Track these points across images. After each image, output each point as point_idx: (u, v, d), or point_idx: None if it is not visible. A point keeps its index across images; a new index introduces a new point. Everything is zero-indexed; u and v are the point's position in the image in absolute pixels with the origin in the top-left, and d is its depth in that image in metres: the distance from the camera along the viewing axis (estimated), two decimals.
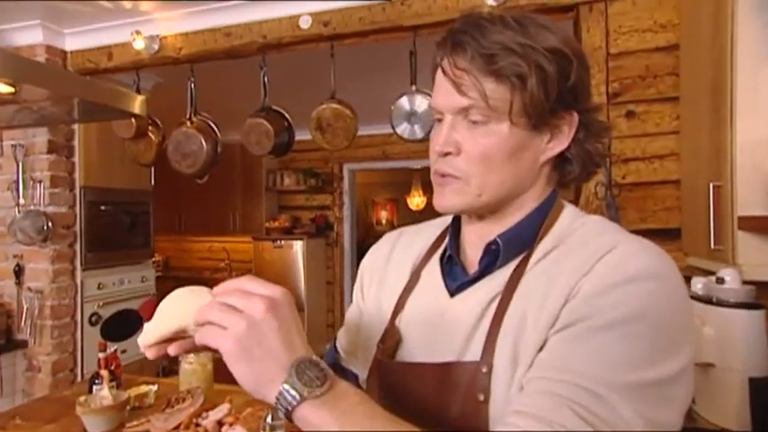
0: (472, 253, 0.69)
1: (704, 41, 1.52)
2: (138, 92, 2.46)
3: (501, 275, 0.64)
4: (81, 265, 2.85)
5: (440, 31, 2.10)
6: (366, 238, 7.00)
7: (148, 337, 0.59)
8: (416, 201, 7.84)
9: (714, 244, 1.40)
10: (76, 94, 1.45)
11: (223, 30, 2.39)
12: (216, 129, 2.59)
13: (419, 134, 2.20)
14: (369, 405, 0.52)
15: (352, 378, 0.81)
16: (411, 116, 2.20)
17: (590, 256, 0.57)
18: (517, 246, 0.64)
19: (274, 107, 2.49)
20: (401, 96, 2.22)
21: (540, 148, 0.64)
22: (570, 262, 0.59)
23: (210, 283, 0.56)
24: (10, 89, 1.33)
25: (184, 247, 6.02)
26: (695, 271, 1.58)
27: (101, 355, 1.58)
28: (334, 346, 0.85)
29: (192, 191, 4.15)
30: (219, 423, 1.38)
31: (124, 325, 3.12)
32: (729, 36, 1.32)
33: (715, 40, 1.42)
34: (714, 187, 1.39)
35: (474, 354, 0.61)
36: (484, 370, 0.58)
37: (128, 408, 1.53)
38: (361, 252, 5.31)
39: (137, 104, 1.61)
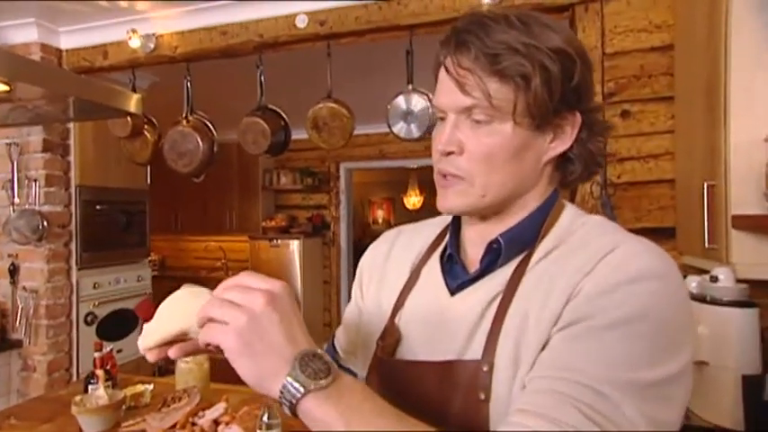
0: (473, 252, 0.69)
1: (699, 41, 1.53)
2: (134, 90, 2.45)
3: (502, 275, 0.64)
4: (76, 264, 2.83)
5: (436, 31, 2.12)
6: (362, 237, 7.00)
7: (148, 340, 0.58)
8: (413, 200, 7.84)
9: (708, 243, 1.40)
10: (72, 93, 1.44)
11: (219, 28, 2.38)
12: (212, 128, 2.59)
13: (415, 133, 2.21)
14: (374, 400, 0.51)
15: None
16: (407, 115, 2.21)
17: (591, 257, 0.58)
18: (518, 245, 0.64)
19: (271, 106, 2.49)
20: (398, 96, 2.22)
21: (543, 147, 0.64)
22: (572, 262, 0.59)
23: (207, 283, 0.56)
24: (4, 87, 1.32)
25: (181, 246, 6.01)
26: (689, 270, 1.59)
27: (96, 354, 1.58)
28: (333, 346, 0.86)
29: (189, 190, 4.14)
30: (216, 422, 1.38)
31: (120, 324, 3.11)
32: (723, 36, 1.33)
33: (709, 41, 1.43)
34: (708, 186, 1.40)
35: (475, 352, 0.61)
36: (485, 369, 0.59)
37: (124, 407, 1.52)
38: (357, 251, 5.31)
39: (132, 103, 1.61)
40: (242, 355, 0.49)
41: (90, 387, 1.58)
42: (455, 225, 0.73)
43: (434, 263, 0.73)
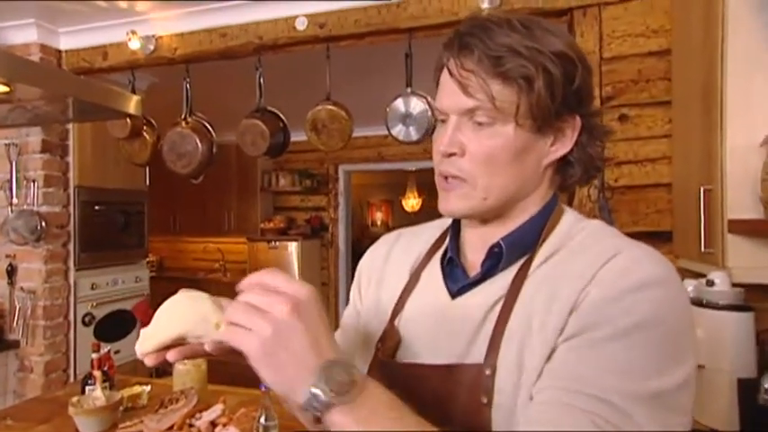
0: (473, 255, 0.69)
1: (695, 46, 1.54)
2: (134, 92, 2.46)
3: (503, 278, 0.64)
4: (74, 265, 2.83)
5: (435, 34, 2.13)
6: (361, 239, 7.00)
7: (146, 344, 0.58)
8: (411, 202, 7.84)
9: (704, 247, 1.41)
10: (71, 94, 1.45)
11: (219, 30, 2.39)
12: (211, 129, 2.59)
13: (414, 136, 2.21)
14: (399, 410, 0.51)
15: None
16: (406, 118, 2.21)
17: (593, 262, 0.58)
18: (519, 249, 0.64)
19: (270, 108, 2.50)
20: (396, 98, 2.22)
21: (544, 150, 0.64)
22: (573, 267, 0.59)
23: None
24: (4, 88, 1.33)
25: (179, 247, 6.00)
26: (686, 273, 1.60)
27: (94, 355, 1.58)
28: None
29: (187, 191, 4.14)
30: (213, 424, 1.38)
31: (118, 325, 3.10)
32: (720, 41, 1.34)
33: (706, 45, 1.44)
34: (705, 191, 1.41)
35: (477, 356, 0.61)
36: (487, 372, 0.58)
37: (121, 408, 1.52)
38: (355, 253, 5.31)
39: (132, 104, 1.61)
40: (266, 364, 0.49)
41: (87, 388, 1.58)
42: (455, 228, 0.73)
43: (434, 266, 0.72)
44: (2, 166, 2.65)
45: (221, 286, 5.19)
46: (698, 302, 1.39)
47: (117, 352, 2.77)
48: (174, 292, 0.61)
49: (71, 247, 2.83)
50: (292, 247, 5.08)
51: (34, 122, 2.23)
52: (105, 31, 2.56)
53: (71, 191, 2.83)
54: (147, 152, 2.68)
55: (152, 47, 2.48)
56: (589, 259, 0.58)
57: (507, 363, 0.58)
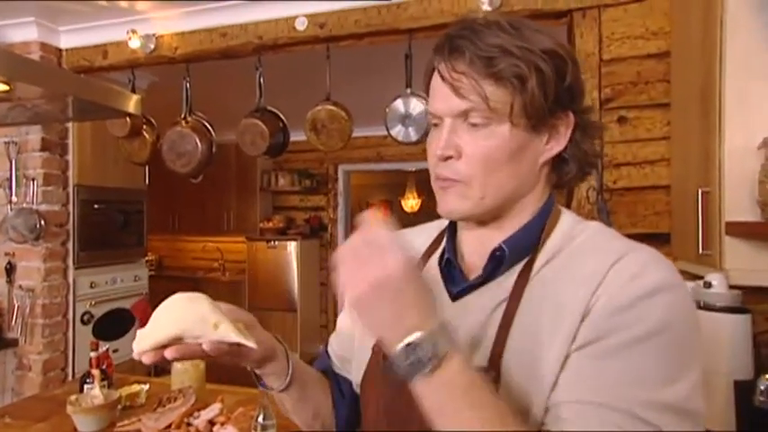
0: (472, 258, 0.69)
1: (694, 49, 1.54)
2: (134, 91, 2.46)
3: (505, 281, 0.63)
4: (73, 263, 2.83)
5: (435, 35, 2.12)
6: None
7: (144, 344, 0.58)
8: (411, 203, 7.84)
9: (702, 249, 1.41)
10: (71, 93, 1.45)
11: (219, 30, 2.39)
12: (211, 129, 2.59)
13: (413, 137, 2.22)
14: (478, 391, 0.52)
15: (345, 385, 0.81)
16: (406, 119, 2.22)
17: (599, 266, 0.57)
18: (520, 251, 0.64)
19: (269, 108, 2.50)
20: (396, 99, 2.23)
21: (540, 149, 0.64)
22: (578, 271, 0.59)
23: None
24: (4, 86, 1.33)
25: (178, 246, 6.00)
26: (684, 275, 1.59)
27: (92, 354, 1.58)
28: (326, 353, 0.85)
29: (187, 190, 4.14)
30: (211, 422, 1.38)
31: (116, 324, 3.11)
32: (718, 43, 1.34)
33: (704, 48, 1.44)
34: (703, 193, 1.41)
35: (480, 360, 0.60)
36: (492, 376, 0.58)
37: (119, 407, 1.53)
38: None
39: (132, 103, 1.61)
40: (369, 310, 0.52)
41: (85, 386, 1.58)
42: (451, 230, 0.73)
43: (433, 268, 0.72)
44: (1, 165, 2.65)
45: (220, 285, 5.20)
46: (695, 304, 1.39)
47: (115, 351, 2.78)
48: (173, 292, 0.62)
49: (70, 245, 2.83)
50: (291, 247, 5.08)
51: (34, 121, 2.23)
52: (105, 29, 2.56)
53: (70, 189, 2.83)
54: (147, 151, 2.69)
55: (152, 46, 2.48)
56: (594, 263, 0.58)
57: (512, 368, 0.58)
